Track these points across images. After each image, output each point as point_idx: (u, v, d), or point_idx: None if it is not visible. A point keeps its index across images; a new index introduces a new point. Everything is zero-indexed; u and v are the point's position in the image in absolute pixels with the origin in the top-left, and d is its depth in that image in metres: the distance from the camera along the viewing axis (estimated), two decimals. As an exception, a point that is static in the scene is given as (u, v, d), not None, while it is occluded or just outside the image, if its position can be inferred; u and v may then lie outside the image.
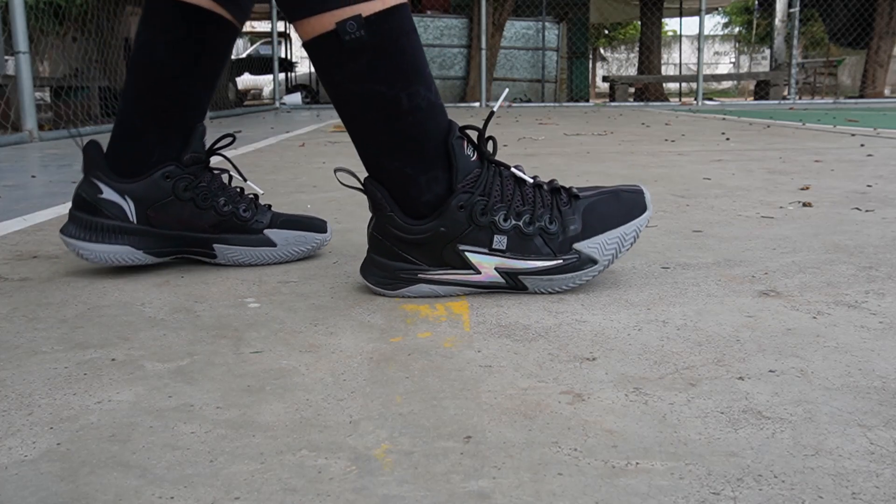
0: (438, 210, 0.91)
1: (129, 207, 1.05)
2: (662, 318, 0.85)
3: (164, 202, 1.06)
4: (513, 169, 0.94)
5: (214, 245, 1.10)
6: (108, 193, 1.05)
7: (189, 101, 1.07)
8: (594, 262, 0.93)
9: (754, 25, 19.35)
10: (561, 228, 0.93)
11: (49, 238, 1.36)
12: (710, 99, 10.39)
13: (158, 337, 0.81)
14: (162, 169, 1.06)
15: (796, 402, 0.62)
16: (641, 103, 9.83)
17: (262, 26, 15.62)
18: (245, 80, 13.44)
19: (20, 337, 0.82)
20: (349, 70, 0.87)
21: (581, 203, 0.95)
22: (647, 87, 11.66)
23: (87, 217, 1.05)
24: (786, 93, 10.13)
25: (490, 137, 0.93)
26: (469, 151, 0.91)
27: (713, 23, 24.45)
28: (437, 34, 9.76)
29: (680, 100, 11.92)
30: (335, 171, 0.95)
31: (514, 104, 9.09)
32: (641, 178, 2.09)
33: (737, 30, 23.87)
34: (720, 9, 22.06)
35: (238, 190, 1.13)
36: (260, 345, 0.78)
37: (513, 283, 0.93)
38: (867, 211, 1.53)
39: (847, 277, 1.01)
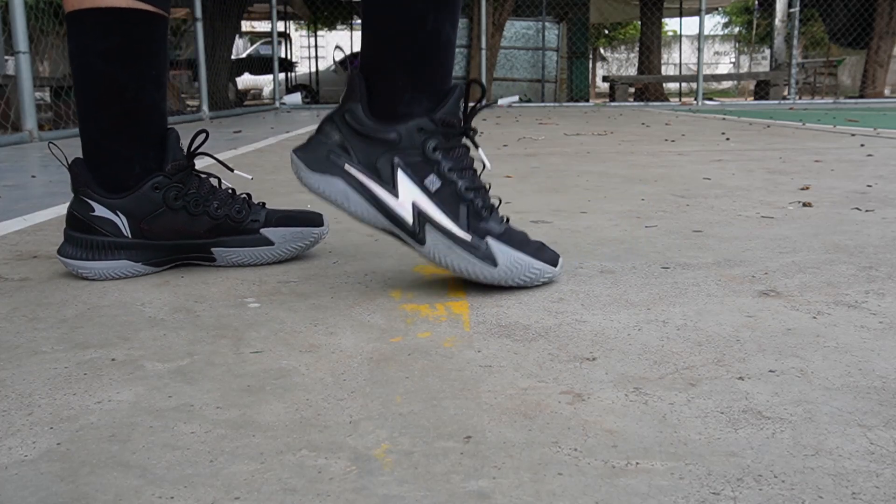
0: (401, 119, 0.92)
1: (121, 222, 1.05)
2: (662, 318, 0.85)
3: (156, 214, 1.06)
4: (481, 154, 0.98)
5: (213, 249, 1.10)
6: (100, 210, 1.05)
7: (144, 106, 1.06)
8: (494, 264, 0.93)
9: (754, 25, 19.35)
10: (486, 217, 0.94)
11: (49, 238, 1.36)
12: (710, 99, 10.39)
13: (158, 337, 0.81)
14: (150, 181, 1.05)
15: (796, 402, 0.62)
16: (641, 103, 9.83)
17: (262, 26, 15.63)
18: (245, 80, 13.44)
19: (20, 337, 0.82)
20: None
21: (508, 226, 0.97)
22: (647, 87, 11.65)
23: (82, 236, 1.05)
24: (786, 93, 10.12)
25: (474, 129, 0.96)
26: (461, 107, 0.94)
27: (713, 23, 24.46)
28: (437, 34, 9.75)
29: (680, 100, 11.92)
30: (336, 47, 1.00)
31: (515, 104, 9.09)
32: (641, 178, 2.09)
33: (737, 30, 23.87)
34: (720, 9, 22.06)
35: (230, 191, 1.13)
36: (260, 345, 0.78)
37: (413, 230, 0.92)
38: (867, 211, 1.53)
39: (847, 277, 1.01)
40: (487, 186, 0.97)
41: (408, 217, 0.92)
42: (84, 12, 1.01)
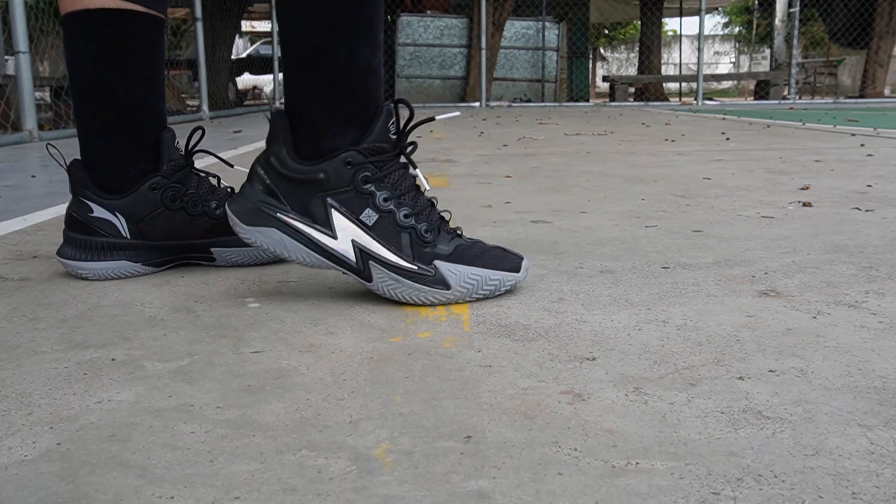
0: (327, 157, 0.89)
1: (120, 223, 1.05)
2: (662, 318, 0.85)
3: (155, 214, 1.06)
4: (419, 175, 0.94)
5: (212, 249, 1.10)
6: (99, 211, 1.05)
7: (137, 107, 1.05)
8: (447, 286, 0.90)
9: (754, 25, 19.35)
10: (432, 241, 0.91)
11: (49, 238, 1.36)
12: (711, 99, 10.39)
13: (158, 337, 0.81)
14: (148, 181, 1.05)
15: (796, 402, 0.62)
16: (641, 103, 9.83)
17: (262, 26, 15.62)
18: (245, 80, 13.44)
19: (20, 337, 0.82)
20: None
21: (460, 240, 0.94)
22: (647, 87, 11.65)
23: (82, 237, 1.05)
24: (786, 93, 10.12)
25: (413, 142, 0.93)
26: (391, 129, 0.91)
27: (713, 23, 24.47)
28: (437, 34, 9.75)
29: (680, 100, 11.91)
30: (269, 103, 0.97)
31: (515, 104, 9.09)
32: (641, 178, 2.09)
33: (737, 30, 23.87)
34: (720, 9, 22.06)
35: (229, 190, 1.13)
36: (260, 345, 0.78)
37: (358, 268, 0.90)
38: (867, 211, 1.53)
39: (847, 277, 1.01)
40: (434, 202, 0.94)
41: (350, 256, 0.89)
42: (75, 14, 1.01)
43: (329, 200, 0.89)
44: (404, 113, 0.92)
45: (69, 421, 0.61)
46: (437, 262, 0.90)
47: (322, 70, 0.89)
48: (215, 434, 0.58)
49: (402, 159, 0.93)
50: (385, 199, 0.90)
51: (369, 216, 0.89)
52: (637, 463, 0.53)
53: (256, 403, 0.64)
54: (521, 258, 0.96)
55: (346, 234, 0.89)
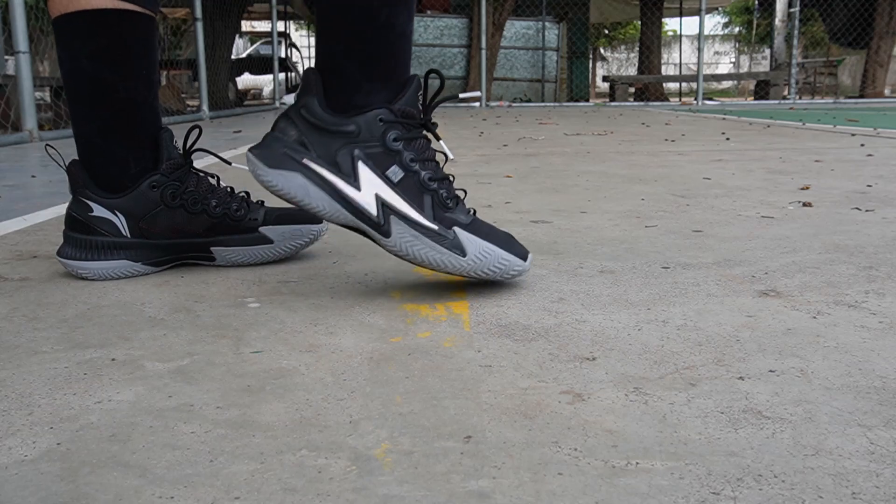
0: (359, 111, 0.90)
1: (120, 222, 1.05)
2: (662, 318, 0.85)
3: (155, 212, 1.06)
4: (443, 145, 0.97)
5: (212, 248, 1.10)
6: (99, 210, 1.05)
7: (136, 105, 1.06)
8: (463, 253, 0.91)
9: (754, 25, 19.35)
10: (452, 208, 0.93)
11: (49, 238, 1.36)
12: (711, 99, 10.39)
13: (158, 337, 0.81)
14: (147, 180, 1.05)
15: (796, 402, 0.62)
16: (641, 103, 9.83)
17: (262, 26, 15.62)
18: (245, 80, 13.44)
19: (20, 337, 0.82)
20: None
21: (475, 217, 0.95)
22: (647, 87, 11.65)
23: (82, 236, 1.05)
24: (786, 93, 10.12)
25: (434, 122, 0.96)
26: (419, 99, 0.93)
27: (713, 23, 24.46)
28: (437, 34, 9.75)
29: (680, 100, 11.91)
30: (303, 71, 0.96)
31: (515, 104, 9.09)
32: (641, 178, 2.09)
33: (737, 30, 23.87)
34: (720, 9, 22.06)
35: (228, 189, 1.13)
36: (260, 345, 0.78)
37: (378, 222, 0.90)
38: (867, 211, 1.53)
39: (847, 277, 1.01)
40: (451, 178, 0.96)
41: (371, 209, 0.90)
42: (70, 16, 1.01)
43: (356, 152, 0.90)
44: (430, 88, 0.94)
45: (69, 421, 0.61)
46: (457, 229, 0.92)
47: (362, 29, 0.90)
48: (215, 434, 0.58)
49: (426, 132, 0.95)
50: (412, 160, 0.91)
51: (395, 173, 0.91)
52: (637, 463, 0.53)
53: (256, 403, 0.64)
54: (528, 252, 0.97)
55: (370, 187, 0.90)
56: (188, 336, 0.81)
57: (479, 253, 0.92)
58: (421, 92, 0.94)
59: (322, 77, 0.92)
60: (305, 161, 0.90)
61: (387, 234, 0.91)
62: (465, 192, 0.99)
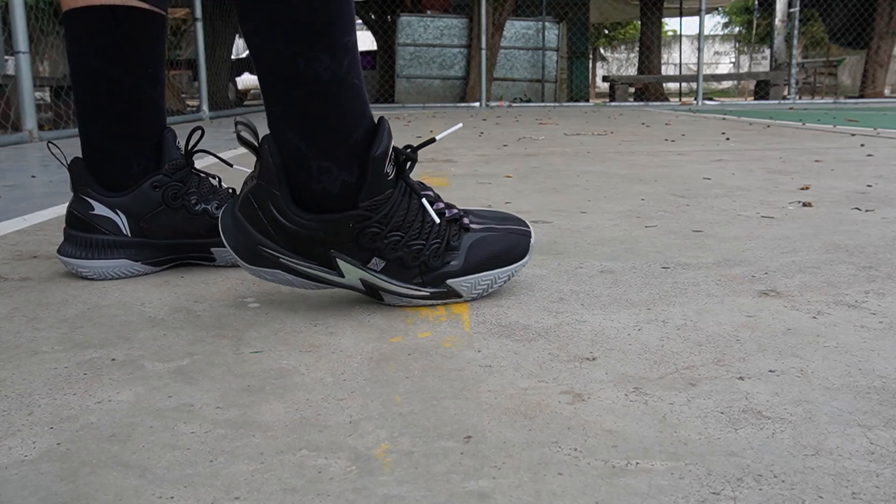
0: (327, 215, 0.83)
1: (121, 221, 1.05)
2: (662, 318, 0.85)
3: (156, 212, 1.06)
4: (423, 200, 0.87)
5: (212, 249, 1.10)
6: (100, 209, 1.05)
7: (142, 103, 1.06)
8: (459, 296, 0.91)
9: (754, 25, 19.35)
10: (441, 265, 0.89)
11: (49, 238, 1.36)
12: (710, 99, 10.39)
13: (158, 337, 0.81)
14: (149, 179, 1.06)
15: (796, 402, 0.62)
16: (641, 103, 9.83)
17: (262, 26, 15.58)
18: (245, 80, 13.44)
19: (20, 337, 0.82)
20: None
21: (469, 237, 0.91)
22: (647, 87, 11.65)
23: (82, 234, 1.05)
24: (786, 93, 10.12)
25: (413, 157, 0.87)
26: (389, 168, 0.84)
27: (713, 23, 24.47)
28: (437, 34, 9.75)
29: (680, 100, 11.91)
30: (236, 122, 0.84)
31: (515, 104, 9.09)
32: (641, 178, 2.09)
33: (737, 30, 23.87)
34: (720, 9, 22.06)
35: (229, 191, 1.13)
36: (260, 345, 0.78)
37: (369, 294, 0.90)
38: (867, 211, 1.53)
39: (847, 277, 1.01)
40: (443, 214, 0.90)
41: (360, 287, 0.89)
42: (78, 11, 1.01)
43: (332, 252, 0.85)
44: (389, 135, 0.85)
45: (69, 421, 0.61)
46: (450, 282, 0.90)
47: (291, 90, 0.81)
48: (215, 434, 0.58)
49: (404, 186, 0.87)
50: (392, 249, 0.85)
51: (377, 264, 0.87)
52: (637, 463, 0.53)
53: (256, 403, 0.64)
54: (529, 234, 0.95)
55: (353, 276, 0.87)
56: (188, 336, 0.81)
57: (476, 287, 0.91)
58: (390, 160, 0.83)
59: (281, 156, 0.83)
60: (282, 260, 0.85)
61: (381, 300, 0.91)
62: (461, 214, 0.93)
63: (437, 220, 0.87)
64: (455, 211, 0.92)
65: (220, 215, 0.90)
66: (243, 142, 0.82)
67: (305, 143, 0.82)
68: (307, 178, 0.83)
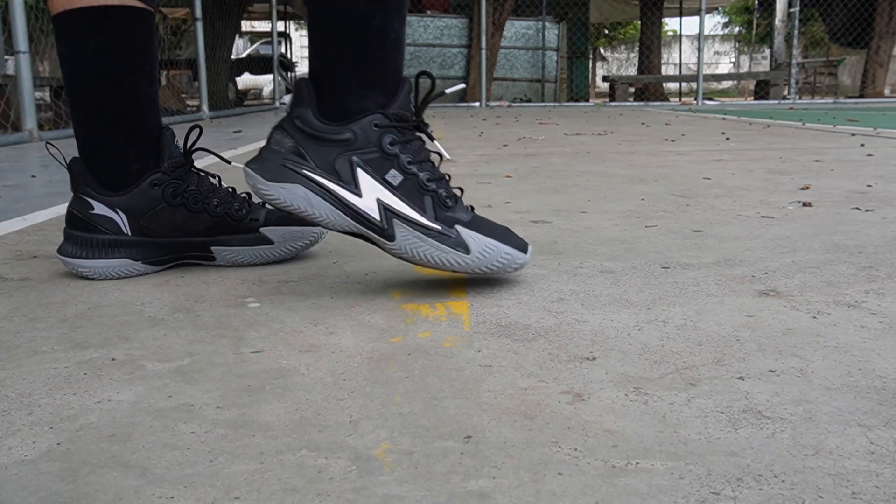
0: (354, 118, 0.91)
1: (121, 220, 1.05)
2: (662, 318, 0.85)
3: (156, 210, 1.06)
4: (438, 145, 0.98)
5: (212, 248, 1.10)
6: (100, 208, 1.05)
7: (140, 101, 1.06)
8: (467, 250, 0.92)
9: (754, 25, 19.34)
10: (452, 206, 0.94)
11: (49, 238, 1.36)
12: (711, 99, 10.39)
13: (158, 337, 0.81)
14: (149, 178, 1.06)
15: (796, 402, 0.62)
16: (641, 103, 9.83)
17: (262, 26, 15.62)
18: (245, 80, 13.43)
19: (20, 337, 0.82)
20: None
21: (474, 214, 0.96)
22: (647, 87, 11.65)
23: (82, 234, 1.05)
24: (786, 93, 10.12)
25: (426, 122, 0.96)
26: (412, 101, 0.94)
27: (713, 23, 24.46)
28: (437, 34, 9.75)
29: (680, 100, 11.91)
30: (292, 80, 0.98)
31: (515, 104, 9.09)
32: (641, 178, 2.09)
33: (737, 30, 23.87)
34: (720, 9, 22.05)
35: (230, 189, 1.13)
36: (260, 345, 0.78)
37: (381, 226, 0.91)
38: (867, 211, 1.53)
39: (847, 277, 1.01)
40: (448, 178, 0.97)
41: (374, 214, 0.91)
42: (73, 12, 1.01)
43: (355, 159, 0.91)
44: (421, 89, 0.95)
45: (69, 421, 0.61)
46: (458, 227, 0.93)
47: (357, 36, 0.91)
48: (215, 434, 0.58)
49: (419, 133, 0.95)
50: (409, 162, 0.92)
51: (394, 177, 0.91)
52: (637, 463, 0.53)
53: (256, 403, 0.64)
54: (527, 243, 0.98)
55: (371, 193, 0.91)
56: (188, 336, 0.81)
57: (482, 249, 0.93)
58: (412, 94, 0.95)
59: (315, 86, 0.93)
60: (305, 171, 0.91)
61: (391, 238, 0.92)
62: (462, 190, 0.99)
63: (446, 156, 1.03)
64: (459, 189, 0.99)
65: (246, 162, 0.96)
66: (283, 77, 0.95)
67: (356, 79, 0.92)
68: (348, 101, 0.92)
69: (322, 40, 0.93)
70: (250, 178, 0.92)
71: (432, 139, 0.97)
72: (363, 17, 0.91)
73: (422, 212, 0.92)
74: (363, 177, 0.91)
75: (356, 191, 0.91)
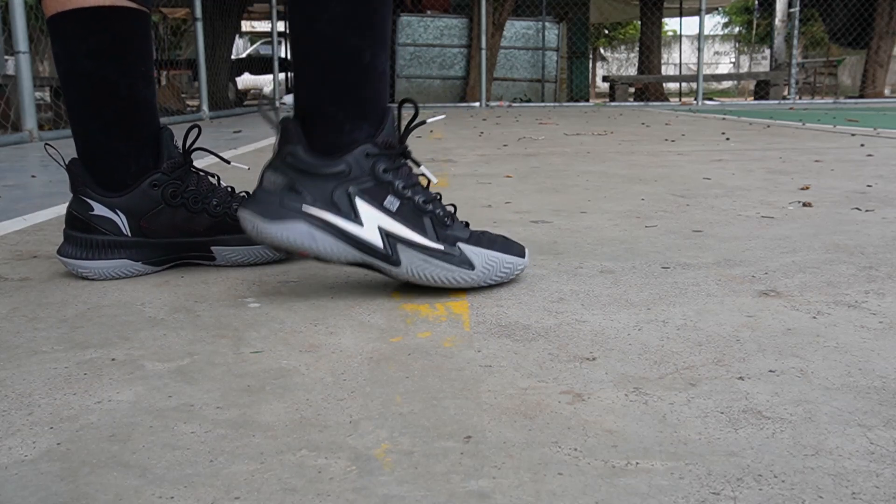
0: (346, 150, 0.92)
1: (121, 221, 1.05)
2: (662, 318, 0.85)
3: (156, 211, 1.06)
4: (424, 170, 0.98)
5: (212, 247, 1.10)
6: (99, 209, 1.05)
7: (137, 102, 1.06)
8: (471, 266, 0.94)
9: (754, 25, 19.35)
10: (450, 225, 0.95)
11: (49, 238, 1.36)
12: (711, 99, 10.39)
13: (158, 337, 0.81)
14: (148, 178, 1.06)
15: (796, 402, 0.62)
16: (641, 103, 9.83)
17: (262, 26, 15.62)
18: (245, 80, 13.43)
19: (20, 337, 0.82)
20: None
21: (470, 229, 0.98)
22: (647, 87, 11.65)
23: (82, 235, 1.05)
24: (786, 93, 10.12)
25: (410, 149, 0.98)
26: (395, 128, 0.96)
27: (713, 23, 24.46)
28: (437, 34, 9.75)
29: (680, 100, 11.91)
30: (260, 102, 0.98)
31: (515, 104, 9.09)
32: (641, 178, 2.09)
33: (737, 30, 23.87)
34: (720, 9, 22.06)
35: (229, 189, 1.13)
36: (260, 345, 0.78)
37: (386, 253, 0.92)
38: (867, 211, 1.53)
39: (847, 277, 1.01)
40: (438, 197, 0.98)
41: (377, 242, 0.92)
42: (66, 14, 1.01)
43: (352, 190, 0.91)
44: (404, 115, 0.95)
45: (69, 421, 0.61)
46: (461, 244, 0.94)
47: (347, 73, 0.92)
48: (215, 434, 0.58)
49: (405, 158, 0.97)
50: (403, 187, 0.93)
51: (392, 203, 0.92)
52: (637, 463, 0.53)
53: (256, 403, 0.64)
54: (524, 247, 1.00)
55: (371, 221, 0.92)
56: (188, 336, 0.81)
57: (486, 263, 0.95)
58: (396, 122, 0.96)
59: (302, 122, 0.93)
60: (304, 208, 0.91)
61: (396, 264, 0.92)
62: (456, 207, 1.01)
63: (434, 180, 0.99)
64: (452, 206, 1.00)
65: (240, 205, 0.97)
66: (265, 117, 0.97)
67: (345, 113, 0.93)
68: (338, 135, 0.93)
69: (310, 76, 0.94)
70: (248, 222, 0.91)
71: (418, 164, 0.98)
72: (353, 54, 0.91)
73: (423, 233, 0.93)
74: (362, 206, 0.92)
75: (357, 220, 0.91)
